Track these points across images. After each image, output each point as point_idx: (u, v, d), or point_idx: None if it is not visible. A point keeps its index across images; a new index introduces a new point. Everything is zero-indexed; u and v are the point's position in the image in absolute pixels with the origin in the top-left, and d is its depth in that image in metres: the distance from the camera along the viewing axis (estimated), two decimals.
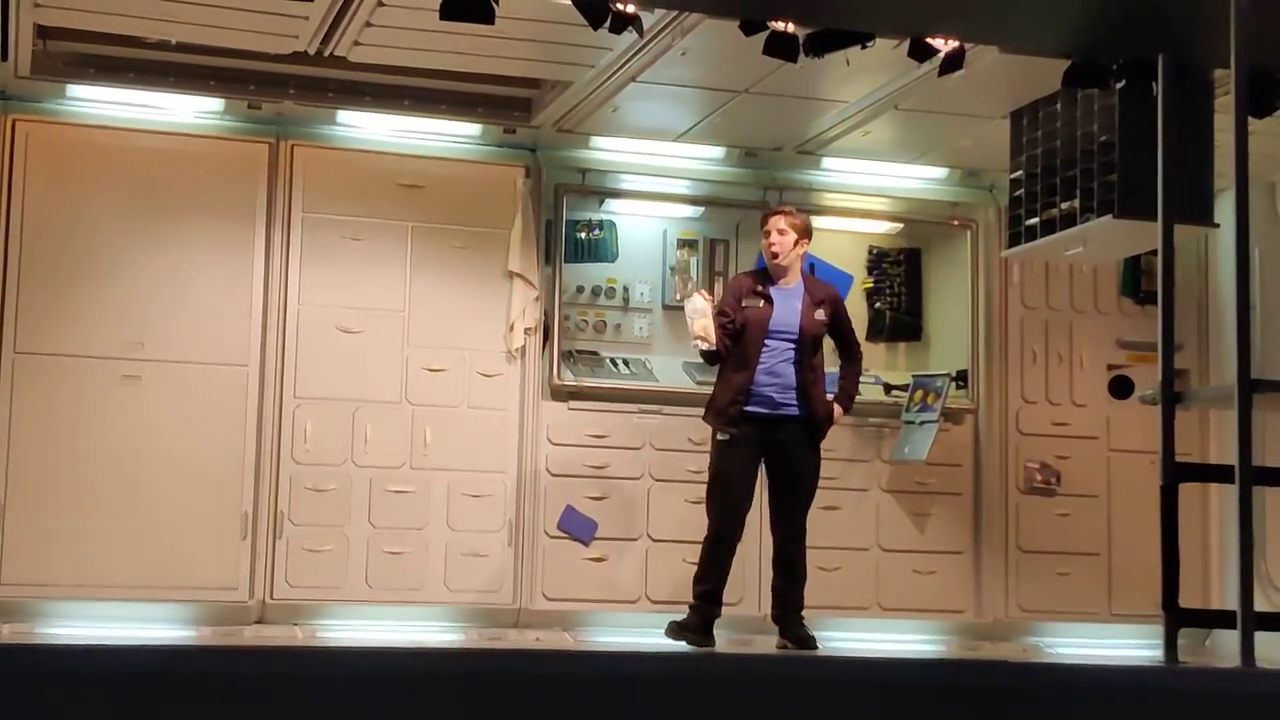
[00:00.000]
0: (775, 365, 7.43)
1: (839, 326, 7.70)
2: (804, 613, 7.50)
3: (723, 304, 7.56)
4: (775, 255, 7.54)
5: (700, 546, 7.52)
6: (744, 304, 7.51)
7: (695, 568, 7.51)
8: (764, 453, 7.44)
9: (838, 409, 7.57)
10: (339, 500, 8.47)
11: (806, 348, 7.46)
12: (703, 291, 7.75)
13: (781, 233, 7.55)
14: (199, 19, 7.43)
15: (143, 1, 7.26)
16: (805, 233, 7.63)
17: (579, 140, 8.92)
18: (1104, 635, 9.06)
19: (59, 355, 8.20)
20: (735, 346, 7.44)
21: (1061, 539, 9.27)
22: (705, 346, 7.46)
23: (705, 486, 7.55)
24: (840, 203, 9.43)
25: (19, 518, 8.06)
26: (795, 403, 7.43)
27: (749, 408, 7.39)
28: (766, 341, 7.43)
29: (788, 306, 7.50)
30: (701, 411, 7.67)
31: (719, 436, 7.48)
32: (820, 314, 7.53)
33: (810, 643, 7.36)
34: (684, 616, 7.43)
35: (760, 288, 7.54)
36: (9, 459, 8.08)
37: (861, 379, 8.03)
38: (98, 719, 3.67)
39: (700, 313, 7.44)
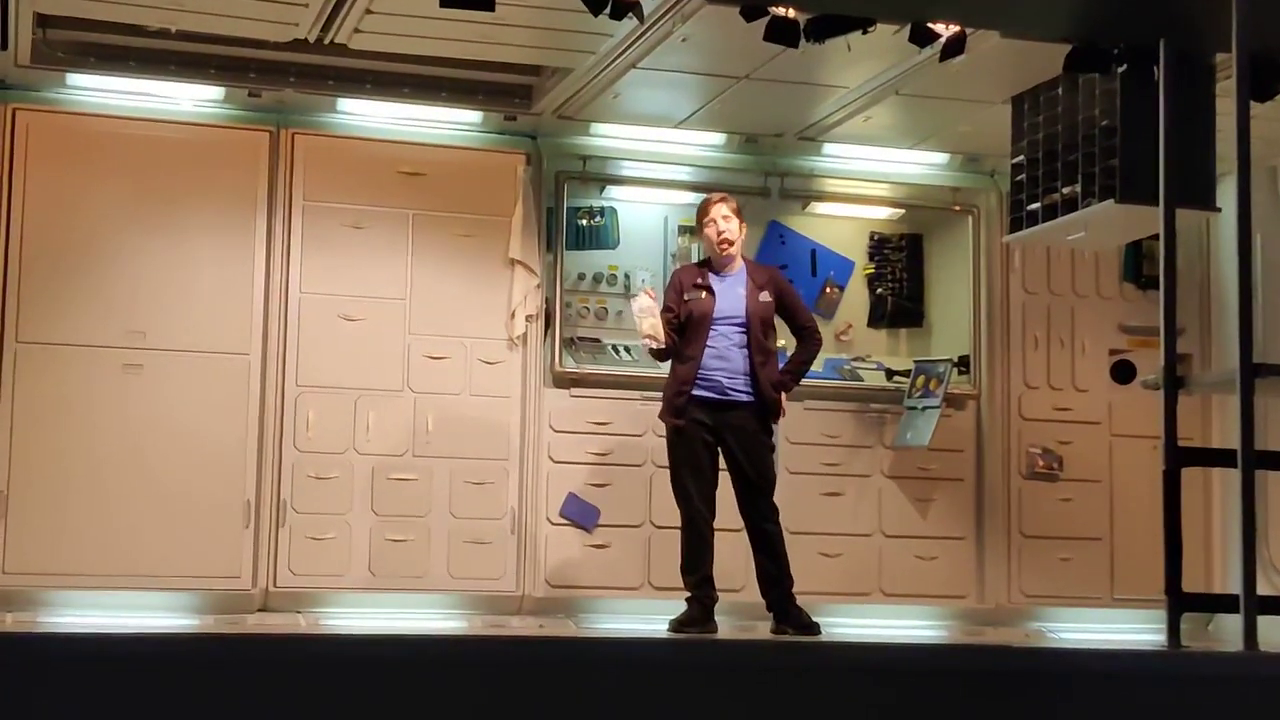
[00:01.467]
0: (724, 350, 7.43)
1: (787, 306, 7.66)
2: (807, 599, 7.50)
3: (667, 300, 7.58)
4: (729, 243, 7.54)
5: (679, 537, 7.54)
6: (686, 297, 7.52)
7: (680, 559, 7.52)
8: (716, 439, 7.44)
9: (782, 401, 7.51)
10: (341, 488, 8.48)
11: (755, 331, 7.45)
12: (648, 290, 7.71)
13: (727, 219, 7.56)
14: (199, 6, 7.43)
15: None
16: (742, 217, 7.66)
17: (580, 127, 8.92)
18: (1106, 620, 9.06)
19: (61, 345, 8.21)
20: (681, 340, 7.46)
21: (1064, 524, 9.27)
22: (654, 345, 7.45)
23: (670, 479, 7.56)
24: (841, 189, 9.44)
25: (22, 507, 8.06)
26: (745, 388, 7.43)
27: (696, 392, 7.40)
28: (713, 329, 7.43)
29: (732, 294, 7.51)
30: None
31: (669, 425, 7.50)
32: (765, 296, 7.52)
33: (814, 628, 7.36)
34: (683, 611, 7.41)
35: (701, 280, 7.56)
36: (12, 448, 8.09)
37: (816, 360, 7.86)
38: (100, 707, 3.68)
39: (648, 311, 7.42)
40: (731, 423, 7.43)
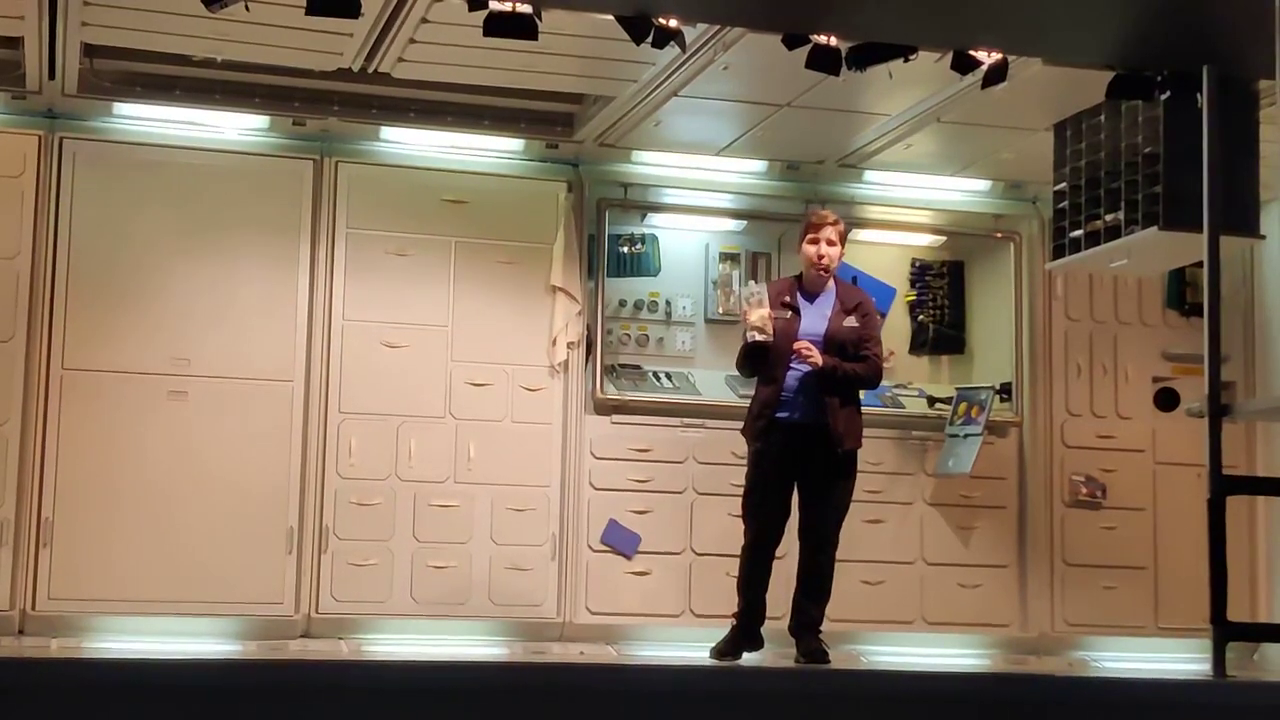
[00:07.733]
0: (805, 374, 7.25)
1: (866, 333, 7.28)
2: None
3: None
4: (826, 268, 7.25)
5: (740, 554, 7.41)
6: (774, 315, 7.32)
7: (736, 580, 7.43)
8: (796, 465, 7.20)
9: (823, 359, 7.07)
10: (383, 515, 8.50)
11: (834, 355, 7.13)
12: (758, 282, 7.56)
13: (831, 243, 7.22)
14: (245, 37, 7.48)
15: (189, 20, 7.31)
16: (845, 242, 7.47)
17: (621, 155, 8.95)
18: (1151, 649, 9.00)
19: (106, 371, 8.26)
20: (768, 359, 7.20)
21: (1107, 552, 9.22)
22: (761, 338, 7.10)
23: (742, 497, 7.41)
24: (883, 216, 9.42)
25: (66, 533, 8.11)
26: (823, 414, 7.12)
27: (779, 415, 7.16)
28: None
29: (816, 314, 7.23)
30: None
31: (751, 447, 7.36)
32: (850, 320, 7.23)
33: (820, 656, 7.16)
34: (725, 636, 7.29)
35: (789, 298, 7.27)
36: (57, 475, 8.14)
37: (881, 391, 7.66)
38: None
39: (760, 300, 7.13)
40: (809, 447, 7.22)
